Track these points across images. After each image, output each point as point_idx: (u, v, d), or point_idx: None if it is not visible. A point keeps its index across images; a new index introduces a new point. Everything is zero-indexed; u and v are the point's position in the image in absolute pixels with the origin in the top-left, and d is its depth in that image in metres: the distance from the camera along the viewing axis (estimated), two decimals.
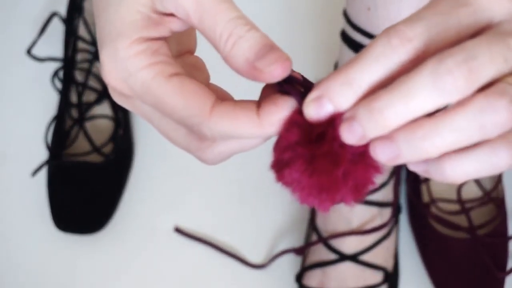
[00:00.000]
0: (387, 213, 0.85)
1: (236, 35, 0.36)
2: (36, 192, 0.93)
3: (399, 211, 0.87)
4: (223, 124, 0.36)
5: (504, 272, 0.83)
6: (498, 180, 0.87)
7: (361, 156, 0.35)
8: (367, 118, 0.33)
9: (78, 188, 0.91)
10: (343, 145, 0.34)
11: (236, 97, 0.39)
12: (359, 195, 0.36)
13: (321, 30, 1.00)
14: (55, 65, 0.97)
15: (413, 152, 0.33)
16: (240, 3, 1.07)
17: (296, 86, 0.36)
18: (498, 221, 0.85)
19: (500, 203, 0.87)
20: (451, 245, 0.85)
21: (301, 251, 0.86)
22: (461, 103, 0.32)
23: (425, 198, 0.88)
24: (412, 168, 0.35)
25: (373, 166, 0.36)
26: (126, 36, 0.37)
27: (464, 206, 0.85)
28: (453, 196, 0.87)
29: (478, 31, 0.34)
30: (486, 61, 0.32)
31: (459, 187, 0.86)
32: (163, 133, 0.40)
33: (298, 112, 0.35)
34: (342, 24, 0.80)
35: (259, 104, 0.36)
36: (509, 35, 0.33)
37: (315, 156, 0.35)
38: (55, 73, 0.95)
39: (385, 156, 0.33)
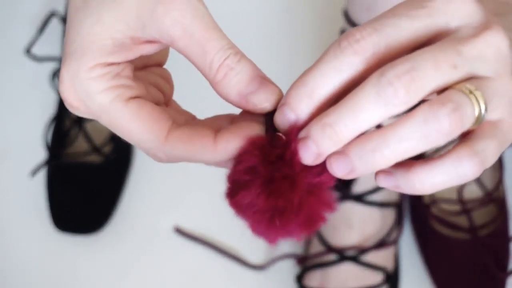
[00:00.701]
0: (387, 213, 0.85)
1: (227, 66, 0.36)
2: (35, 192, 0.93)
3: (400, 212, 0.87)
4: (178, 150, 0.37)
5: (505, 272, 0.82)
6: (499, 180, 0.87)
7: (317, 188, 0.35)
8: (320, 134, 0.33)
9: (77, 188, 0.91)
10: (302, 169, 0.35)
11: (219, 106, 0.39)
12: (309, 229, 0.36)
13: (321, 30, 0.99)
14: (54, 65, 0.97)
15: (365, 164, 0.33)
16: (240, 3, 1.06)
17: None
18: (499, 221, 0.85)
19: (501, 203, 0.86)
20: (452, 246, 0.85)
21: (302, 261, 0.86)
22: (407, 113, 0.33)
23: (426, 198, 0.88)
24: (382, 184, 0.35)
25: (326, 203, 0.36)
26: (91, 58, 0.37)
27: (465, 207, 0.85)
28: (454, 196, 0.87)
29: (435, 37, 0.34)
30: (429, 70, 0.32)
31: (460, 188, 0.86)
32: (126, 139, 0.40)
33: (264, 135, 0.36)
34: (342, 24, 0.80)
35: (218, 129, 0.37)
36: (461, 41, 0.33)
37: (273, 178, 0.35)
38: (54, 73, 0.94)
39: (341, 171, 0.34)
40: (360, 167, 0.33)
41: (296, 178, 0.35)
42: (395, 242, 0.85)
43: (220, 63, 0.36)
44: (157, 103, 0.40)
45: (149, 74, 0.42)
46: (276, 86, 0.37)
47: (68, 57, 0.37)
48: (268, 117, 0.37)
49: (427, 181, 0.34)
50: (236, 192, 0.36)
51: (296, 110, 0.35)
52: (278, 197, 0.35)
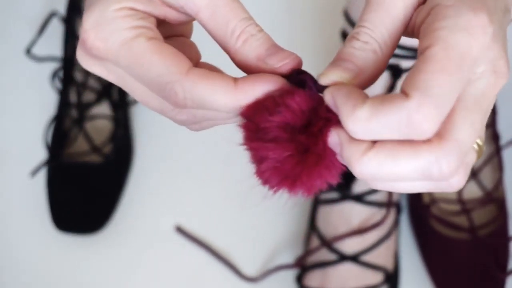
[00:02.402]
0: (388, 213, 0.85)
1: (248, 33, 0.38)
2: (35, 192, 0.93)
3: (399, 211, 0.87)
4: (198, 86, 0.36)
5: (505, 273, 0.82)
6: (499, 180, 0.87)
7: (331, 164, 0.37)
8: (355, 159, 0.34)
9: (77, 188, 0.91)
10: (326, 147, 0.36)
11: None
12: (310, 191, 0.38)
13: (321, 30, 0.99)
14: (55, 65, 0.97)
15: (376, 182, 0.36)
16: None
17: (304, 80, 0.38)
18: (499, 221, 0.85)
19: (501, 203, 0.86)
20: (451, 246, 0.84)
21: (300, 263, 0.86)
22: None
23: (426, 198, 0.88)
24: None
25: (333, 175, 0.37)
26: (118, 1, 0.38)
27: (465, 207, 0.85)
28: (454, 196, 0.87)
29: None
30: (472, 150, 0.35)
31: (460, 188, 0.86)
32: (137, 97, 0.40)
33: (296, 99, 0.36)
34: (342, 24, 0.80)
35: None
36: (482, 98, 0.35)
37: (302, 145, 0.36)
38: (55, 73, 0.94)
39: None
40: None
41: (322, 154, 0.36)
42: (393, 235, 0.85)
43: (242, 29, 0.38)
44: None
45: (172, 42, 0.42)
46: (294, 53, 0.38)
47: (94, 1, 0.38)
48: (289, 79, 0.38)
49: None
50: (260, 140, 0.37)
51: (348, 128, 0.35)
52: (304, 168, 0.36)
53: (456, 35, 0.33)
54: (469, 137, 0.34)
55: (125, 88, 0.40)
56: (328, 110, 0.36)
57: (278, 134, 0.36)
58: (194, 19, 0.40)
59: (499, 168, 0.87)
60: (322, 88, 0.36)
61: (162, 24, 0.40)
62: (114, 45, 0.37)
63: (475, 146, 0.37)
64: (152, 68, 0.37)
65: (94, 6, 0.38)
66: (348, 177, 0.81)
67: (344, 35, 0.78)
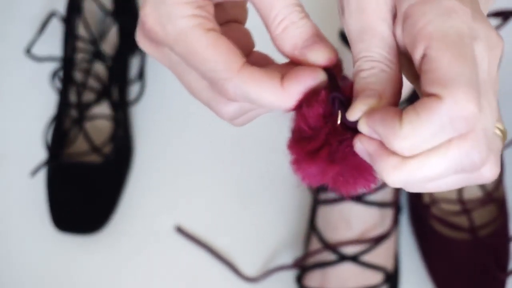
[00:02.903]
0: (387, 213, 0.85)
1: (289, 20, 0.38)
2: (35, 192, 0.93)
3: (399, 211, 0.87)
4: (247, 85, 0.37)
5: (505, 273, 0.82)
6: (499, 180, 0.87)
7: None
8: (383, 168, 0.35)
9: (77, 188, 0.91)
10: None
11: None
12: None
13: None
14: (54, 65, 0.97)
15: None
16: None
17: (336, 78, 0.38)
18: (499, 221, 0.85)
19: (501, 203, 0.86)
20: (452, 246, 0.84)
21: (299, 264, 0.86)
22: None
23: (426, 198, 0.87)
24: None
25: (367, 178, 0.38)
26: None
27: (465, 207, 0.85)
28: (454, 196, 0.87)
29: None
30: (495, 136, 0.36)
31: (460, 188, 0.86)
32: (186, 85, 0.40)
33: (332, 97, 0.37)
34: (341, 24, 0.80)
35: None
36: (489, 77, 0.36)
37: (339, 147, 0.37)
38: (54, 73, 0.94)
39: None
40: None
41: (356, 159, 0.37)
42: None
43: (284, 16, 0.38)
44: None
45: (228, 29, 0.42)
46: (332, 46, 0.38)
47: None
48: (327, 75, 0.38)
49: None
50: (300, 144, 0.38)
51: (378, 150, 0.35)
52: (341, 172, 0.37)
53: (443, 23, 0.34)
54: (490, 120, 0.34)
55: (176, 75, 0.40)
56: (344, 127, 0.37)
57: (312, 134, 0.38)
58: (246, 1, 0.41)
59: (500, 168, 0.87)
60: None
61: (218, 9, 0.41)
62: (172, 33, 0.38)
63: (497, 131, 0.37)
64: (206, 62, 0.37)
65: None
66: None
67: (343, 36, 0.78)
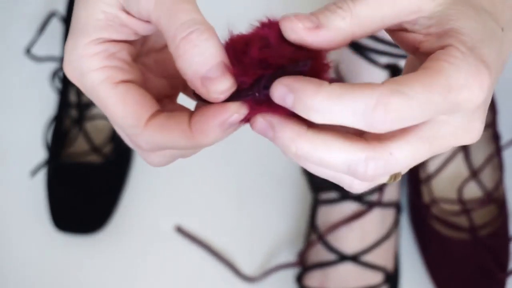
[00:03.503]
0: (387, 213, 0.85)
1: (190, 42, 0.34)
2: (35, 192, 0.93)
3: (400, 211, 0.87)
4: (156, 137, 0.37)
5: (505, 273, 0.82)
6: (499, 180, 0.87)
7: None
8: (292, 140, 0.34)
9: (77, 188, 0.91)
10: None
11: None
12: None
13: None
14: (54, 65, 0.97)
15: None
16: (240, 3, 1.06)
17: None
18: (499, 221, 0.85)
19: (501, 203, 0.86)
20: (452, 246, 0.84)
21: (301, 262, 0.86)
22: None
23: (426, 198, 0.87)
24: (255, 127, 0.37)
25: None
26: (87, 34, 0.37)
27: (465, 207, 0.85)
28: (454, 196, 0.87)
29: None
30: (404, 168, 0.35)
31: (460, 188, 0.86)
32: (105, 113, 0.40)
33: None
34: None
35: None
36: (440, 141, 0.35)
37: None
38: (54, 73, 0.94)
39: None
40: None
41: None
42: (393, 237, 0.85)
43: (183, 36, 0.34)
44: (158, 91, 0.41)
45: (153, 59, 0.42)
46: (231, 80, 0.35)
47: (70, 33, 0.38)
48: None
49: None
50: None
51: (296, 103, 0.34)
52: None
53: (459, 76, 0.33)
54: (403, 161, 0.34)
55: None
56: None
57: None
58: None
59: (499, 168, 0.87)
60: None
61: (136, 42, 0.40)
62: (86, 86, 0.38)
63: (394, 175, 0.37)
64: (117, 119, 0.37)
65: (70, 38, 0.38)
66: None
67: None
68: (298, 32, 0.34)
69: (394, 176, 0.38)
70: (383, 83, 0.33)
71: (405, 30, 0.37)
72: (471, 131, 0.36)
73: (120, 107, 0.37)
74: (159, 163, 0.40)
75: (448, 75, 0.33)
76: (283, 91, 0.33)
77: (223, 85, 0.35)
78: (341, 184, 0.37)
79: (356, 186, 0.37)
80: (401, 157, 0.34)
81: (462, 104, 0.33)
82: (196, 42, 0.34)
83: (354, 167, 0.34)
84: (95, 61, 0.37)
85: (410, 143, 0.34)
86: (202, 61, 0.34)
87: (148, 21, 0.38)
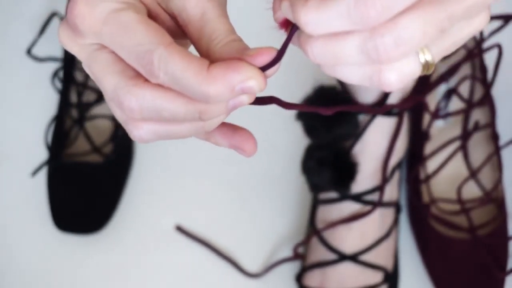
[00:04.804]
0: (387, 213, 0.85)
1: (231, 38, 0.38)
2: (36, 192, 0.93)
3: (399, 211, 0.87)
4: (173, 60, 0.36)
5: (504, 272, 0.83)
6: (498, 180, 0.87)
7: None
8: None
9: (78, 188, 0.91)
10: None
11: None
12: None
13: None
14: (55, 65, 0.97)
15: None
16: (239, 3, 1.07)
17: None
18: (498, 221, 0.85)
19: (500, 203, 0.86)
20: (451, 245, 0.85)
21: (297, 256, 0.86)
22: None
23: (425, 198, 0.88)
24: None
25: None
26: None
27: (464, 206, 0.85)
28: (453, 196, 0.87)
29: None
30: (418, 40, 0.33)
31: (459, 187, 0.86)
32: (95, 74, 0.39)
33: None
34: None
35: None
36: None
37: None
38: (55, 73, 0.95)
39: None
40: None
41: None
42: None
43: (225, 36, 0.38)
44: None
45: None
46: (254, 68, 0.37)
47: None
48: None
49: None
50: None
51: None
52: None
53: None
54: (416, 29, 0.33)
55: (90, 70, 0.39)
56: None
57: None
58: (178, 34, 0.40)
59: (499, 168, 0.87)
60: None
61: None
62: (102, 13, 0.37)
63: (422, 59, 0.35)
64: (136, 36, 0.36)
65: None
66: (347, 177, 0.81)
67: None
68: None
69: (426, 65, 0.35)
70: None
71: None
72: (482, 15, 0.35)
73: (143, 25, 0.37)
74: (145, 135, 0.39)
75: None
76: (285, 7, 0.36)
77: (261, 49, 0.38)
78: (374, 83, 0.35)
79: (386, 75, 0.34)
80: (411, 25, 0.32)
81: None
82: (236, 38, 0.39)
83: (365, 48, 0.33)
84: None
85: (415, 7, 0.32)
86: (240, 45, 0.38)
87: (172, 17, 0.40)
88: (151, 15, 0.40)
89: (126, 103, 0.37)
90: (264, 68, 0.37)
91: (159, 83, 0.37)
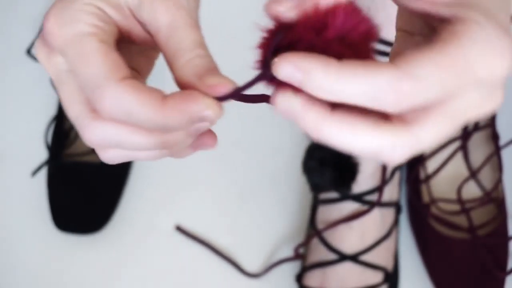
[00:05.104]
0: (387, 213, 0.85)
1: (196, 54, 0.38)
2: (36, 192, 0.93)
3: (399, 211, 0.87)
4: (126, 95, 0.35)
5: (504, 272, 0.83)
6: (498, 180, 0.87)
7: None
8: (316, 126, 0.34)
9: (78, 188, 0.91)
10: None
11: None
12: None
13: None
14: None
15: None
16: (240, 3, 1.06)
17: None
18: (498, 221, 0.85)
19: (500, 203, 0.87)
20: (451, 246, 0.85)
21: (298, 256, 0.86)
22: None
23: (425, 198, 0.88)
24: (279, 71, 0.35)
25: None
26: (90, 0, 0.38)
27: (464, 206, 0.85)
28: (453, 196, 0.87)
29: None
30: (432, 145, 0.34)
31: (459, 187, 0.86)
32: (62, 96, 0.39)
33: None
34: None
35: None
36: (462, 113, 0.35)
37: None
38: None
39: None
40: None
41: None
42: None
43: (191, 49, 0.38)
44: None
45: (132, 48, 0.42)
46: (231, 80, 0.37)
47: None
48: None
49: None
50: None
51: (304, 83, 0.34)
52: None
53: (477, 52, 0.33)
54: (429, 141, 0.34)
55: (57, 85, 0.39)
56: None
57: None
58: (153, 44, 0.40)
59: (499, 168, 0.88)
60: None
61: (124, 50, 0.40)
62: (68, 34, 0.37)
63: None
64: (92, 65, 0.36)
65: None
66: (347, 177, 0.81)
67: None
68: None
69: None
70: (394, 62, 0.32)
71: None
72: (495, 100, 0.35)
73: (101, 56, 0.36)
74: (114, 159, 0.39)
75: (465, 52, 0.32)
76: (290, 69, 0.33)
77: (221, 78, 0.37)
78: (373, 158, 0.35)
79: (392, 158, 0.35)
80: (427, 138, 0.33)
81: (484, 79, 0.33)
82: (200, 54, 0.38)
83: (380, 153, 0.33)
84: (90, 17, 0.37)
85: (435, 121, 0.33)
86: (202, 64, 0.38)
87: (142, 28, 0.40)
88: (124, 32, 0.40)
89: (87, 135, 0.37)
90: (220, 99, 0.37)
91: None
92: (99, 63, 0.36)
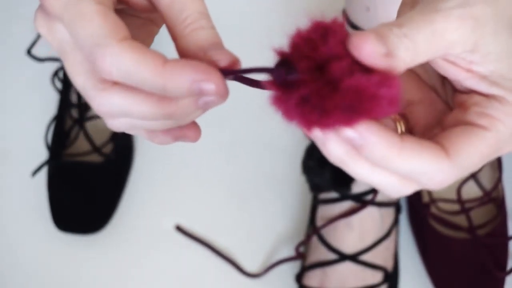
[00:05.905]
0: (387, 213, 0.85)
1: (199, 24, 0.37)
2: (36, 192, 0.93)
3: (399, 211, 0.87)
4: (127, 55, 0.35)
5: (504, 272, 0.83)
6: (498, 180, 0.87)
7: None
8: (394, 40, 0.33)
9: (78, 188, 0.91)
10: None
11: None
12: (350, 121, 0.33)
13: None
14: (55, 65, 0.97)
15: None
16: (240, 3, 1.06)
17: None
18: (498, 221, 0.85)
19: (500, 203, 0.87)
20: (451, 245, 0.85)
21: (299, 256, 0.86)
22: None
23: (425, 198, 0.88)
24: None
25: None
26: None
27: (464, 206, 0.85)
28: (453, 196, 0.87)
29: None
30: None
31: (459, 187, 0.86)
32: (67, 67, 0.38)
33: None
34: (344, 5, 0.80)
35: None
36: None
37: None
38: (55, 73, 0.95)
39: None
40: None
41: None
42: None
43: (194, 20, 0.37)
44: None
45: (131, 22, 0.42)
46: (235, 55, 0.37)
47: None
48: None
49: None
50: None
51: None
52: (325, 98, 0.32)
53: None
54: (470, 170, 0.35)
55: (61, 55, 0.39)
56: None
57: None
58: (153, 11, 0.40)
59: (498, 168, 0.88)
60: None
61: (128, 14, 0.40)
62: None
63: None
64: (90, 27, 0.36)
65: None
66: (347, 177, 0.81)
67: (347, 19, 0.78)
68: (375, 58, 0.32)
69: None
70: (444, 146, 0.34)
71: (447, 61, 0.36)
72: None
73: (99, 16, 0.36)
74: (122, 127, 0.39)
75: (499, 138, 0.35)
76: (353, 134, 0.33)
77: (226, 53, 0.37)
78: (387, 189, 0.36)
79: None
80: (469, 168, 0.35)
81: None
82: (203, 25, 0.38)
83: (423, 178, 0.34)
84: None
85: (482, 153, 0.35)
86: (208, 37, 0.38)
87: None
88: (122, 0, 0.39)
89: (95, 105, 0.37)
90: (223, 74, 0.36)
91: (118, 82, 0.36)
92: (99, 24, 0.35)
